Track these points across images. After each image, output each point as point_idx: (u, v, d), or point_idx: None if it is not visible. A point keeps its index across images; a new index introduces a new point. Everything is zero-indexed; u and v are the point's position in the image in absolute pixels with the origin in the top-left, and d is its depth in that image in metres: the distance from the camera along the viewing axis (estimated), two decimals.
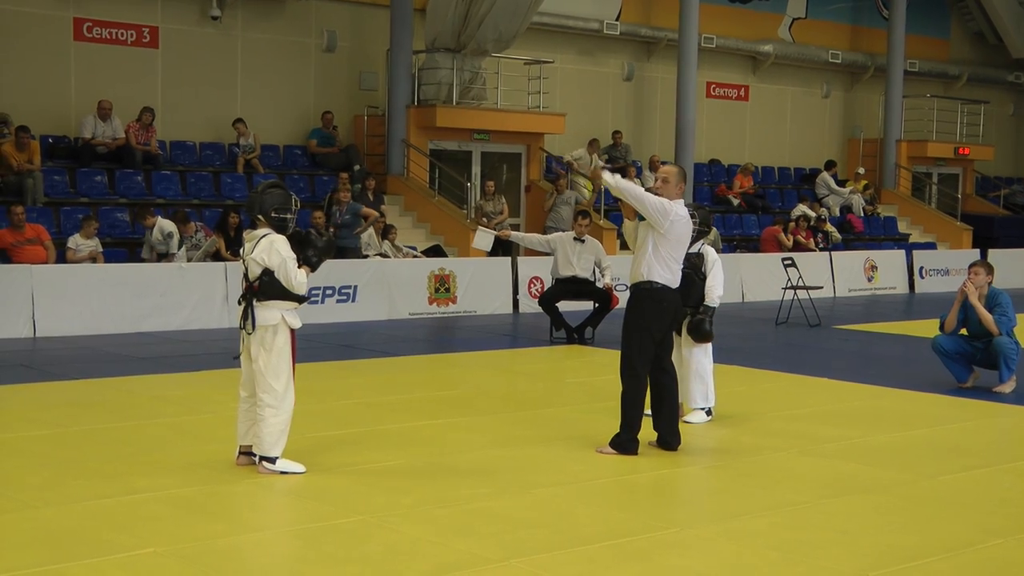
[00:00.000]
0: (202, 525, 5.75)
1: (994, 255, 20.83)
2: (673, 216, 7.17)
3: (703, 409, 8.54)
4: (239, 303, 6.86)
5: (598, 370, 11.21)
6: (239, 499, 6.33)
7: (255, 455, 6.80)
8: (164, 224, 14.41)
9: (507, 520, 5.98)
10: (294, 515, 6.15)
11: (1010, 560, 5.61)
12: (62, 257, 13.70)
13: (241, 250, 6.98)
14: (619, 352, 7.50)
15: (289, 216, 6.79)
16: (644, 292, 7.25)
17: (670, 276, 7.26)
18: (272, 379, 6.71)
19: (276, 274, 6.68)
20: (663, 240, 7.21)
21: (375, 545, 5.53)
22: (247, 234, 6.94)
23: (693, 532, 5.90)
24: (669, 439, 7.49)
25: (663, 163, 21.08)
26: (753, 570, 5.33)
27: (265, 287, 6.71)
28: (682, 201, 7.36)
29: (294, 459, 6.81)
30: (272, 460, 6.72)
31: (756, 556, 5.52)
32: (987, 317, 10.11)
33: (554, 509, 6.25)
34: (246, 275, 6.83)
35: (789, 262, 15.97)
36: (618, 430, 7.40)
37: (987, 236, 24.25)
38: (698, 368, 8.46)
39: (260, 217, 6.78)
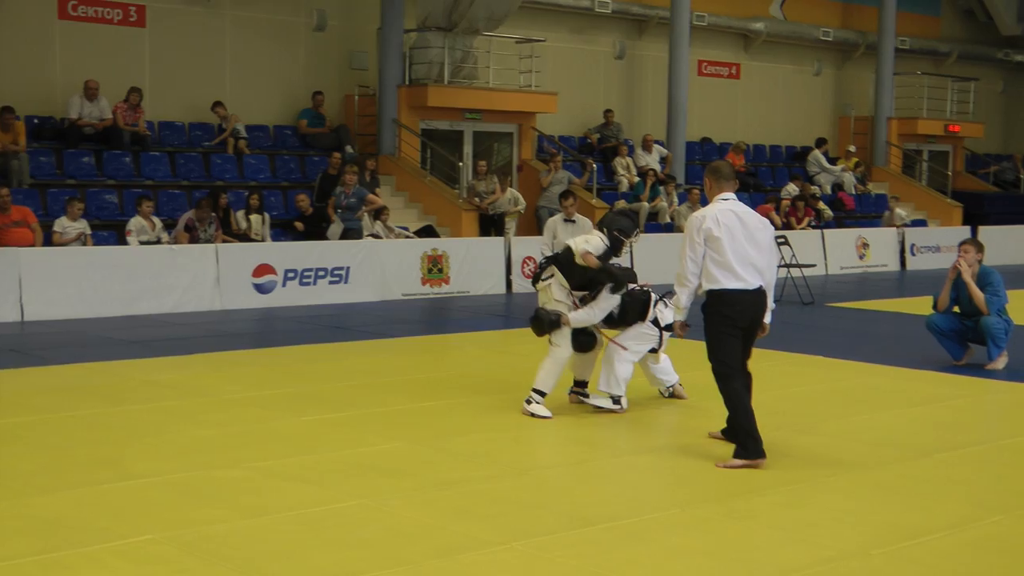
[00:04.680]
0: (200, 510, 5.70)
1: (984, 232, 20.84)
2: (701, 229, 6.83)
3: (610, 396, 8.16)
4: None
5: None
6: (237, 484, 6.28)
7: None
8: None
9: (507, 502, 5.95)
10: (293, 499, 6.10)
11: (1010, 536, 5.61)
12: (49, 240, 13.57)
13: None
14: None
15: (627, 240, 7.86)
16: (710, 296, 6.97)
17: (731, 275, 6.83)
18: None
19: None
20: (709, 245, 6.90)
21: (375, 529, 5.49)
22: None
23: (694, 512, 5.87)
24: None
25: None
26: (756, 549, 5.31)
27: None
28: (724, 195, 6.97)
29: (288, 447, 6.76)
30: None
31: (758, 535, 5.50)
32: (979, 296, 10.10)
33: (554, 491, 6.23)
34: None
35: (782, 240, 15.93)
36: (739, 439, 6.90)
37: (977, 213, 24.27)
38: (609, 353, 8.14)
39: (604, 229, 7.83)
